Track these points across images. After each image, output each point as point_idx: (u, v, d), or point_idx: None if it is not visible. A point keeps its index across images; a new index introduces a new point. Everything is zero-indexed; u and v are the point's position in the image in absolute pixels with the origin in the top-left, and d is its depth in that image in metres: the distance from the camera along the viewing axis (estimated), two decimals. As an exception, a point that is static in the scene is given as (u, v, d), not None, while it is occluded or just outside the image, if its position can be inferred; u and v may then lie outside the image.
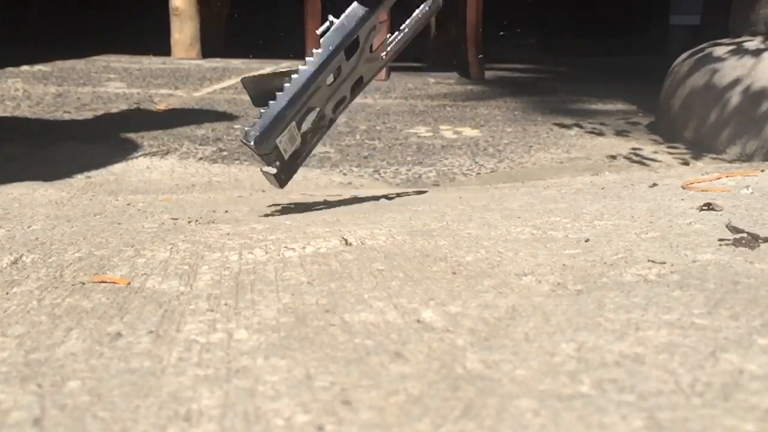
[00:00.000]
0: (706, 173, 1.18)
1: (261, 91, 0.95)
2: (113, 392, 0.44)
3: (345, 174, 1.57)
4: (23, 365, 0.48)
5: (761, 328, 0.51)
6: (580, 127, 2.18)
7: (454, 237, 0.80)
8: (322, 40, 0.97)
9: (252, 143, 0.93)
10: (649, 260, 0.68)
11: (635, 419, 0.40)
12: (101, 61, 3.68)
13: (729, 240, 0.74)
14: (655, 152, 1.84)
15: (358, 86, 1.04)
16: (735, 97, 1.82)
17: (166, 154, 1.67)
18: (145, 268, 0.70)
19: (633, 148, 1.88)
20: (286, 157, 0.97)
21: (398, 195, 1.21)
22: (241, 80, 0.96)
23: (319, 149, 1.78)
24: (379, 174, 1.58)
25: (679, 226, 0.81)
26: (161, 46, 4.01)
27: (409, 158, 1.72)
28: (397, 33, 1.08)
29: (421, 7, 1.10)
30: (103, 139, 1.78)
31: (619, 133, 2.08)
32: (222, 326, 0.55)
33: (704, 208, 0.88)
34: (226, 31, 4.55)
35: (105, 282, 0.65)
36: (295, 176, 0.98)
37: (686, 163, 1.73)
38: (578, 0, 5.73)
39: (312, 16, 3.43)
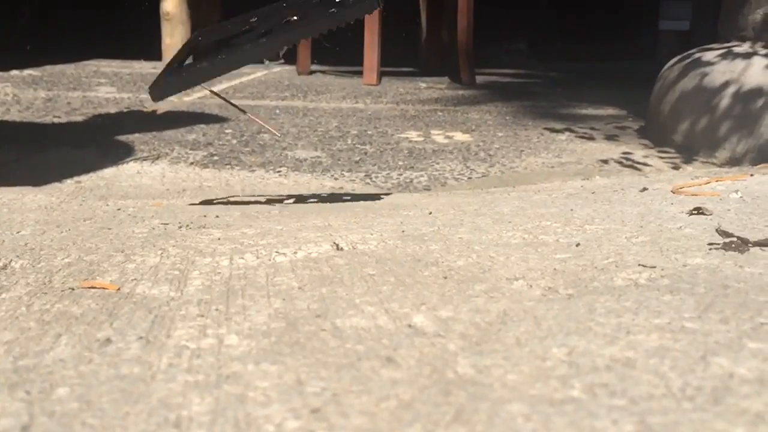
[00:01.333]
0: (696, 177, 1.19)
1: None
2: (102, 399, 0.44)
3: (336, 179, 1.57)
4: (12, 372, 0.48)
5: (751, 332, 0.51)
6: (571, 131, 2.18)
7: (445, 242, 0.80)
8: None
9: None
10: (639, 264, 0.68)
11: (626, 424, 0.40)
12: (91, 65, 3.67)
13: (719, 244, 0.74)
14: (646, 157, 1.85)
15: None
16: (724, 102, 1.83)
17: (157, 158, 1.66)
18: (135, 273, 0.70)
19: (623, 153, 1.89)
20: None
21: (389, 199, 1.21)
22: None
23: (310, 153, 1.78)
24: (371, 178, 1.58)
25: (669, 231, 0.81)
26: (152, 50, 4.00)
27: (400, 163, 1.73)
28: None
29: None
30: (94, 144, 1.77)
31: (610, 138, 2.09)
32: (212, 332, 0.54)
33: (694, 212, 0.88)
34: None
35: (94, 287, 0.65)
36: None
37: (676, 168, 1.74)
38: (568, 6, 5.76)
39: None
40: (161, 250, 0.78)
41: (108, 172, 1.52)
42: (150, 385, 0.46)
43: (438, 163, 1.73)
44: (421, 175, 1.61)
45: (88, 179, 1.45)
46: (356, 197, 1.27)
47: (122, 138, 1.86)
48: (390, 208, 1.07)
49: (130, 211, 1.04)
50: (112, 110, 2.30)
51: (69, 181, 1.42)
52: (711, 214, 0.87)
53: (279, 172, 1.59)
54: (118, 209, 1.06)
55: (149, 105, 2.43)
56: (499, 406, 0.42)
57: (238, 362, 0.49)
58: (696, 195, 1.00)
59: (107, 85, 2.93)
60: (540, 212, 0.95)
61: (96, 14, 5.18)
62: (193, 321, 0.57)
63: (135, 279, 0.68)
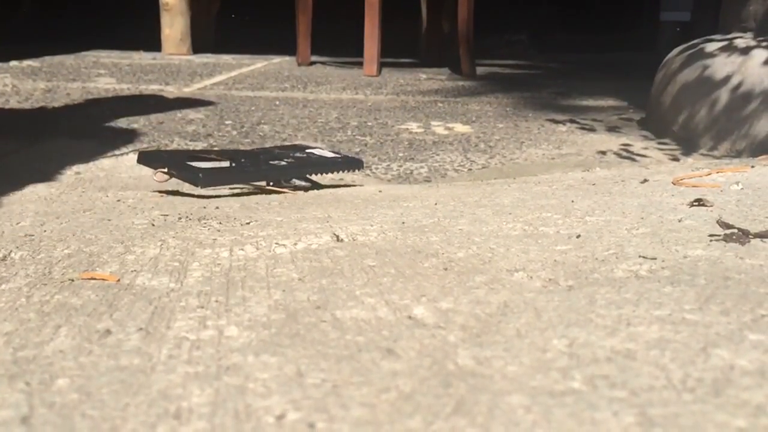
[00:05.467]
0: (697, 169, 1.18)
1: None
2: (102, 390, 0.44)
3: (336, 170, 1.57)
4: (11, 363, 0.48)
5: (752, 324, 0.51)
6: (572, 123, 2.18)
7: (445, 233, 0.80)
8: None
9: None
10: (640, 256, 0.68)
11: (627, 415, 0.40)
12: (91, 56, 3.66)
13: (719, 236, 0.74)
14: (646, 148, 1.85)
15: None
16: (725, 94, 1.83)
17: (157, 150, 1.66)
18: (135, 264, 0.70)
19: (623, 144, 1.88)
20: None
21: (390, 191, 1.20)
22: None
23: (310, 144, 1.77)
24: (371, 170, 1.58)
25: (670, 222, 0.81)
26: (151, 41, 3.99)
27: (400, 154, 1.72)
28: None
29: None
30: (93, 135, 1.77)
31: (610, 130, 2.08)
32: (212, 323, 0.54)
33: (695, 204, 0.88)
34: (217, 26, 4.53)
35: (94, 279, 0.65)
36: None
37: (676, 159, 1.74)
38: (569, -4, 5.75)
39: (303, 12, 3.42)
40: (161, 241, 0.78)
41: (107, 163, 1.52)
42: (150, 376, 0.46)
43: (438, 155, 1.72)
44: (422, 167, 1.61)
45: (87, 170, 1.45)
46: (356, 188, 1.27)
47: (122, 129, 1.86)
48: (390, 199, 1.07)
49: (130, 203, 1.04)
50: (112, 101, 2.30)
51: (68, 172, 1.42)
52: (712, 206, 0.87)
53: (279, 163, 1.58)
54: (118, 200, 1.06)
55: (148, 96, 2.42)
56: (500, 397, 0.42)
57: (238, 353, 0.49)
58: (697, 186, 1.00)
59: (106, 76, 2.92)
60: (540, 204, 0.95)
61: (95, 5, 5.16)
62: (193, 312, 0.57)
63: (135, 270, 0.68)
